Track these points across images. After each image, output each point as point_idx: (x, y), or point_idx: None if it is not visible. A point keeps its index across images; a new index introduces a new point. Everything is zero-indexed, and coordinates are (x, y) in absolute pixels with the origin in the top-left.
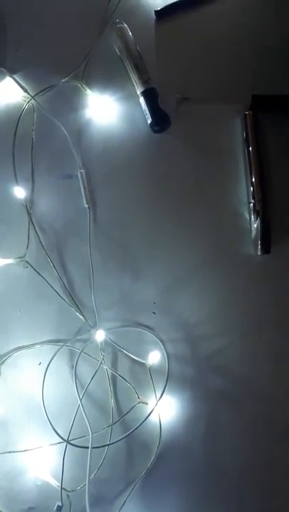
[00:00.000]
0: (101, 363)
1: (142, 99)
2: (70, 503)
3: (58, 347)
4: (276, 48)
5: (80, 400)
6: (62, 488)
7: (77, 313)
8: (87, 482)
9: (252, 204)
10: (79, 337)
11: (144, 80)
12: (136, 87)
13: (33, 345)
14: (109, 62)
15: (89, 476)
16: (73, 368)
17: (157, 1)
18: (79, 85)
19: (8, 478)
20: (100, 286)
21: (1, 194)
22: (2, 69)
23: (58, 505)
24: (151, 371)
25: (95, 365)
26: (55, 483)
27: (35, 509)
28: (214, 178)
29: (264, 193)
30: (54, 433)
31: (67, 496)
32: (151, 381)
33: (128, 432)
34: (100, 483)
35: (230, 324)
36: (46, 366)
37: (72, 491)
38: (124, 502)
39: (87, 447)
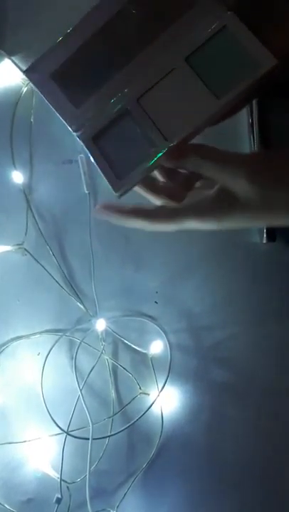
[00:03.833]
0: (101, 352)
1: None
2: (70, 494)
3: (58, 337)
4: None
5: (80, 391)
6: (61, 479)
7: (77, 303)
8: (87, 474)
9: None
10: (79, 327)
11: None
12: None
13: (32, 334)
14: None
15: (89, 467)
16: (73, 358)
17: None
18: None
19: (7, 469)
20: (100, 275)
21: None
22: (1, 51)
23: (58, 497)
24: (153, 362)
25: (95, 356)
26: (54, 475)
27: (35, 500)
28: None
29: None
30: (53, 424)
31: (67, 487)
32: (153, 372)
33: (129, 423)
34: (101, 475)
35: (235, 315)
36: (45, 356)
37: (72, 482)
38: (125, 494)
39: (88, 438)
